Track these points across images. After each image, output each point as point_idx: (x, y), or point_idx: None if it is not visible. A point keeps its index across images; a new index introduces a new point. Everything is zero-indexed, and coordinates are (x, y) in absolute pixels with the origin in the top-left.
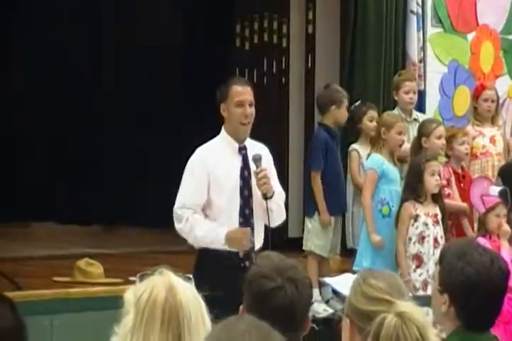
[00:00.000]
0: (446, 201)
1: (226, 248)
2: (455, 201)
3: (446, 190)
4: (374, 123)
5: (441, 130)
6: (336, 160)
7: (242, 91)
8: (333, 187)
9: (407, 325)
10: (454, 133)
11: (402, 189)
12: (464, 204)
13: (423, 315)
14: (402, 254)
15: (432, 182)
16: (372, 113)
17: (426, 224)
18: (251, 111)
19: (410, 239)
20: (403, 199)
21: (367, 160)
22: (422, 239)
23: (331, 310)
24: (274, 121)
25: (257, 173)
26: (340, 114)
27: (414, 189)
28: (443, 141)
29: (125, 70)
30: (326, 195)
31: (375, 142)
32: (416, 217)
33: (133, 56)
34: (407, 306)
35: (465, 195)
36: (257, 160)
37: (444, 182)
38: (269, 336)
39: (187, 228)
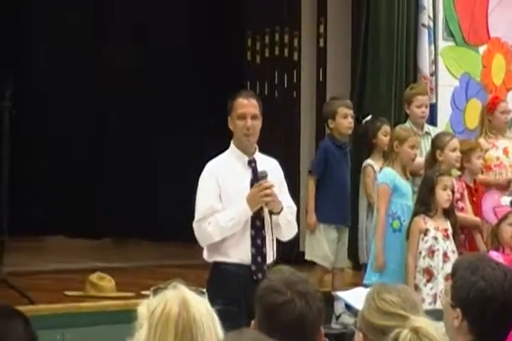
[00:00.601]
0: (460, 215)
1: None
2: (469, 215)
3: (460, 204)
4: (388, 138)
5: (455, 142)
6: (338, 169)
7: (244, 104)
8: (333, 195)
9: (421, 340)
10: (473, 146)
11: (414, 202)
12: (477, 219)
13: (438, 331)
14: (412, 268)
15: (443, 197)
16: (386, 127)
17: (436, 238)
18: (253, 123)
19: (420, 253)
20: (414, 213)
21: (379, 174)
22: (431, 253)
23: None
24: (285, 135)
25: (259, 191)
26: (338, 124)
27: (425, 203)
28: (458, 154)
29: (134, 88)
30: (324, 202)
31: (388, 156)
32: (426, 231)
33: (144, 72)
34: (421, 321)
35: (477, 209)
36: (263, 177)
37: (458, 195)
38: None
39: (212, 227)
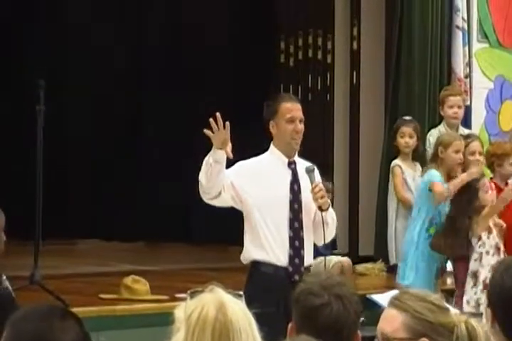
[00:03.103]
0: None
1: (219, 156)
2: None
3: None
4: (405, 139)
5: (475, 145)
6: None
7: (292, 108)
8: None
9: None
10: (507, 152)
11: (454, 213)
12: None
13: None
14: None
15: (487, 199)
16: (404, 129)
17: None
18: (301, 127)
19: (488, 252)
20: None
21: (426, 175)
22: (497, 250)
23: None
24: (319, 138)
25: (312, 188)
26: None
27: (470, 207)
28: (476, 157)
29: (168, 93)
30: None
31: (433, 161)
32: (491, 229)
33: (177, 76)
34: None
35: (508, 211)
36: (311, 171)
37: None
38: None
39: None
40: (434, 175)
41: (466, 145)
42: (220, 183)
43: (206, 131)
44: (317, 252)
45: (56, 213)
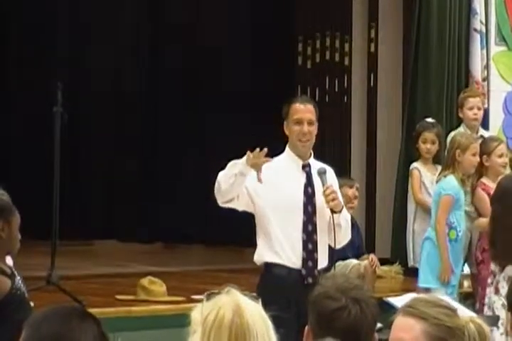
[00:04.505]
0: None
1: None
2: None
3: None
4: (427, 145)
5: (503, 148)
6: None
7: (301, 109)
8: None
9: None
10: None
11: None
12: None
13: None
14: None
15: None
16: (426, 134)
17: None
18: (309, 129)
19: None
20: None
21: (440, 182)
22: None
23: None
24: (336, 140)
25: (324, 191)
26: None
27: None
28: (505, 159)
29: (185, 97)
30: None
31: (450, 164)
32: None
33: (194, 75)
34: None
35: None
36: (322, 173)
37: None
38: None
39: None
40: (449, 186)
41: (494, 148)
42: (238, 191)
43: (248, 152)
44: (343, 254)
45: (73, 213)
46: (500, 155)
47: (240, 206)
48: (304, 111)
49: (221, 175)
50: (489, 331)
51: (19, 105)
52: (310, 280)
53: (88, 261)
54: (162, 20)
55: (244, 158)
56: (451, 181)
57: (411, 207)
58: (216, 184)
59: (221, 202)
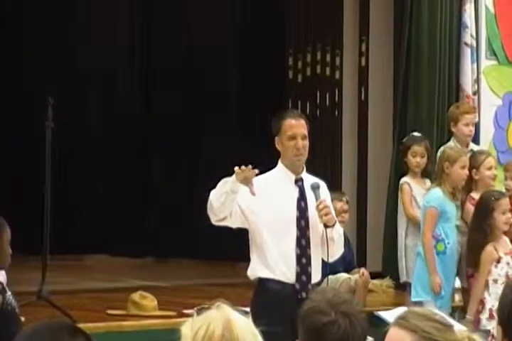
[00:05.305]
0: None
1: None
2: None
3: None
4: (417, 159)
5: (491, 161)
6: None
7: (294, 125)
8: None
9: None
10: None
11: (471, 229)
12: None
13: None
14: (478, 298)
15: (502, 220)
16: (416, 148)
17: (508, 264)
18: (303, 143)
19: (496, 281)
20: (475, 242)
21: (426, 195)
22: (507, 278)
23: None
24: (327, 154)
25: (317, 206)
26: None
27: (482, 228)
28: (494, 172)
29: (176, 109)
30: None
31: (438, 176)
32: (499, 259)
33: (185, 88)
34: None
35: None
36: (316, 188)
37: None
38: None
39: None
40: (432, 198)
41: (482, 161)
42: (230, 209)
43: (236, 168)
44: (334, 268)
45: (64, 228)
46: (489, 168)
47: (233, 224)
48: (297, 127)
49: (212, 193)
50: None
51: (9, 120)
52: (304, 294)
53: (79, 276)
54: (157, 21)
55: (234, 175)
56: (435, 193)
57: (402, 221)
58: (208, 203)
59: (214, 220)
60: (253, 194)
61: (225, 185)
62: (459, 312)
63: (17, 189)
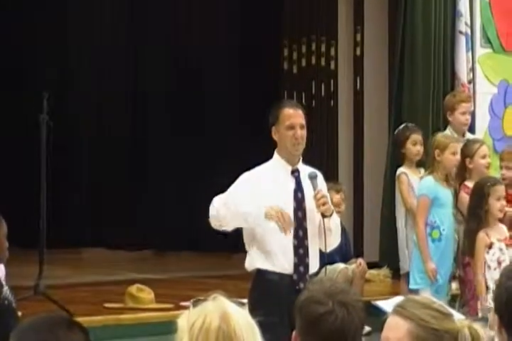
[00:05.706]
0: None
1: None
2: None
3: None
4: (417, 147)
5: (484, 149)
6: None
7: (292, 114)
8: None
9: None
10: None
11: (467, 216)
12: None
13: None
14: (482, 284)
15: (497, 207)
16: (415, 136)
17: (501, 250)
18: (301, 133)
19: (490, 267)
20: (469, 228)
21: (419, 184)
22: (498, 264)
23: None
24: (323, 144)
25: (315, 195)
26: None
27: (477, 214)
28: (488, 160)
29: (172, 95)
30: None
31: (430, 164)
32: (491, 245)
33: (181, 79)
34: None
35: None
36: (313, 177)
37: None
38: None
39: (224, 210)
40: (423, 186)
41: (476, 150)
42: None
43: (269, 208)
44: (331, 258)
45: (61, 221)
46: (483, 156)
47: (233, 227)
48: (295, 116)
49: (220, 205)
50: (488, 338)
51: (4, 113)
52: (302, 285)
53: (76, 270)
54: (151, 20)
55: (262, 210)
56: (426, 181)
57: (401, 212)
58: (214, 212)
59: (217, 225)
60: (285, 232)
61: (248, 214)
62: (459, 300)
63: (13, 182)
